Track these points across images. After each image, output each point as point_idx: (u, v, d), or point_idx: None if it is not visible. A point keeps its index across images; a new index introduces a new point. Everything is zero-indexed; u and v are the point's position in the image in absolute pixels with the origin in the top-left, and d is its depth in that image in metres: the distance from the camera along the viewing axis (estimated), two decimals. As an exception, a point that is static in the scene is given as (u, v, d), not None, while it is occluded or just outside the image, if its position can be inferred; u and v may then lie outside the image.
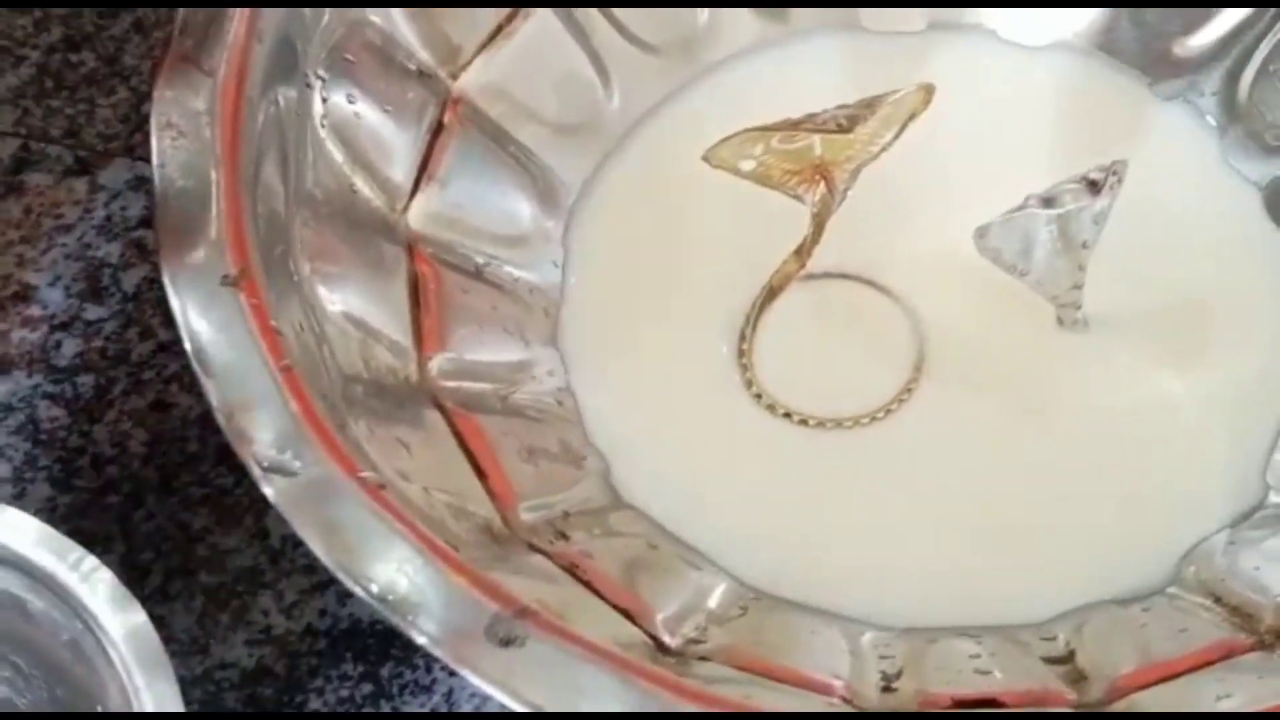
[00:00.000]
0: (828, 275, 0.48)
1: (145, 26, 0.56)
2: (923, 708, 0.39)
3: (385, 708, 0.43)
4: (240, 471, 0.35)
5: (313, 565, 0.34)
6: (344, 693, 0.43)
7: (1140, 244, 0.46)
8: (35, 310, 0.50)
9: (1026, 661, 0.40)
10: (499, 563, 0.37)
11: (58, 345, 0.49)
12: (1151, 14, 0.51)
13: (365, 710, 0.43)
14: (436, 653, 0.32)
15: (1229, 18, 0.50)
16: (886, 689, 0.39)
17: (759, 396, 0.46)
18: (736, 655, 0.39)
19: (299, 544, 0.34)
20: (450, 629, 0.33)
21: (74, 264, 0.51)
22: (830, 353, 0.47)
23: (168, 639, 0.43)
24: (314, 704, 0.43)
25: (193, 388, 0.35)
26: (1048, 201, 0.43)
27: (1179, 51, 0.51)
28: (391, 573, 0.33)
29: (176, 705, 0.33)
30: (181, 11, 0.41)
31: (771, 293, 0.47)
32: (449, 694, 0.43)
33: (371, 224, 0.44)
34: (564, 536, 0.41)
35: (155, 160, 0.39)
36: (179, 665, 0.42)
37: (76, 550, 0.35)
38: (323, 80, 0.44)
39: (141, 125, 0.53)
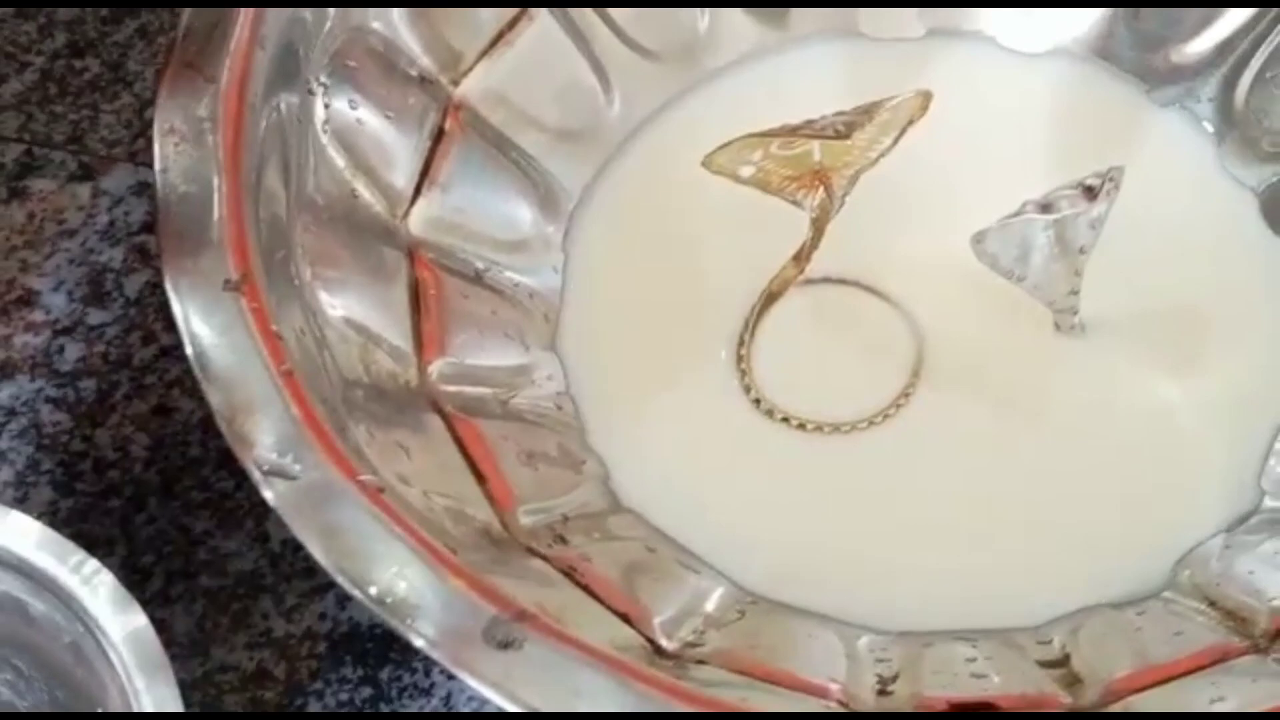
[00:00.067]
0: (826, 280, 0.48)
1: (149, 33, 0.56)
2: (919, 711, 0.39)
3: (384, 710, 0.43)
4: (241, 475, 0.35)
5: (313, 569, 0.34)
6: (343, 696, 0.43)
7: (1137, 250, 0.47)
8: (38, 315, 0.50)
9: (1022, 665, 0.40)
10: (498, 566, 0.38)
11: (60, 350, 0.49)
12: (1149, 21, 0.51)
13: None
14: (434, 655, 0.33)
15: (1226, 25, 0.50)
16: (882, 692, 0.39)
17: (758, 401, 0.46)
18: (733, 659, 0.39)
19: (299, 548, 0.34)
20: (448, 632, 0.33)
21: (77, 269, 0.51)
22: (828, 357, 0.47)
23: (168, 642, 0.43)
24: (313, 707, 0.43)
25: (194, 392, 0.36)
26: (1044, 207, 0.43)
27: (1176, 58, 0.51)
28: (390, 576, 0.34)
29: (176, 708, 0.33)
30: (184, 18, 0.42)
31: (770, 298, 0.47)
32: (447, 697, 0.43)
33: (372, 229, 0.44)
34: (563, 540, 0.41)
35: (158, 166, 0.39)
36: (179, 668, 0.42)
37: (78, 553, 0.35)
38: (325, 86, 0.44)
39: (145, 131, 0.53)
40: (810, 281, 0.48)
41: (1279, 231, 0.48)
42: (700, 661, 0.39)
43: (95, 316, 0.50)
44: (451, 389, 0.44)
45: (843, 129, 0.44)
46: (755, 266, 0.47)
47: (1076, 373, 0.46)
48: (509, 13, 0.49)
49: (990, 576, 0.43)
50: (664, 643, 0.39)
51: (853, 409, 0.46)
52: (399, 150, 0.46)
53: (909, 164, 0.46)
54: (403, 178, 0.46)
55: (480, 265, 0.47)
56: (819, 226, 0.46)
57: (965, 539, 0.44)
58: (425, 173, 0.47)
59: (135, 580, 0.45)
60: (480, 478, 0.41)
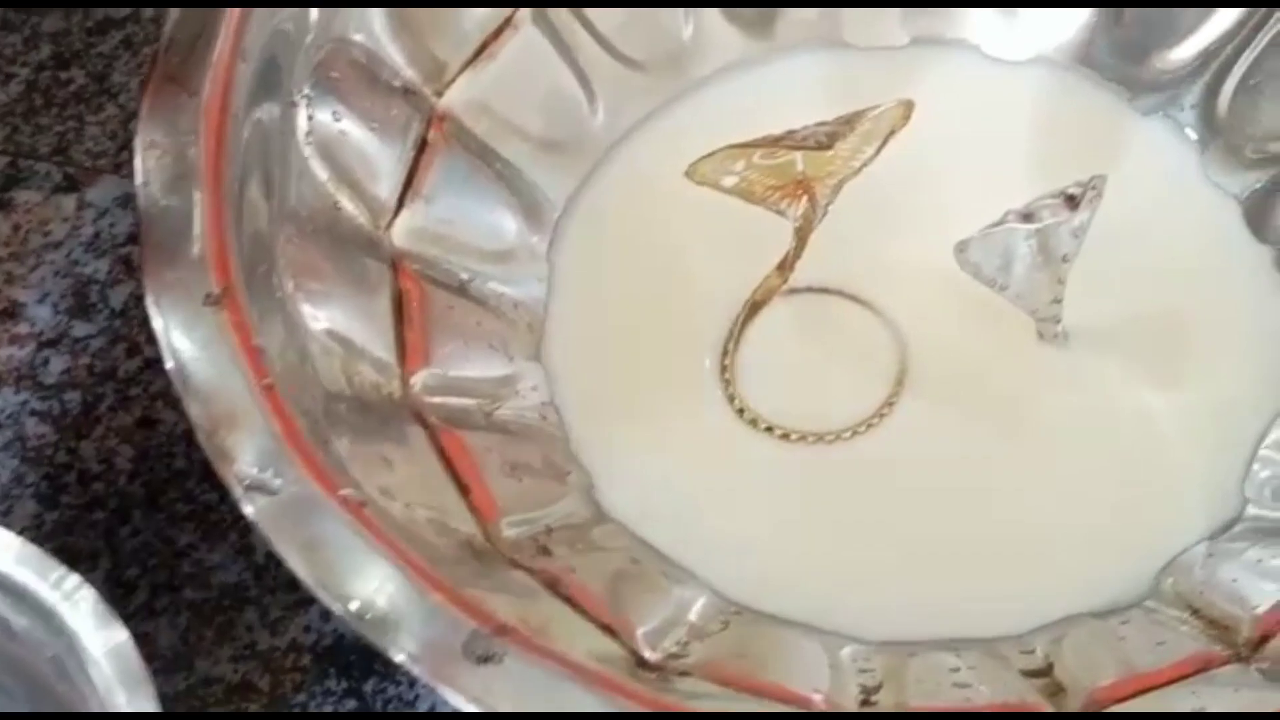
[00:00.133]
0: (810, 290, 0.48)
1: (134, 44, 0.56)
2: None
3: (370, 722, 0.43)
4: (226, 488, 0.35)
5: (297, 581, 0.34)
6: (327, 708, 0.43)
7: (1121, 258, 0.47)
8: (23, 328, 0.50)
9: (1005, 674, 0.40)
10: (480, 579, 0.38)
11: (45, 362, 0.49)
12: (1132, 29, 0.51)
13: (350, 725, 0.43)
14: (414, 670, 0.33)
15: (1208, 32, 0.50)
16: (866, 702, 0.39)
17: (741, 411, 0.46)
18: (716, 670, 0.39)
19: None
20: (428, 646, 0.33)
21: (62, 281, 0.51)
22: (812, 367, 0.47)
23: (153, 655, 0.43)
24: (299, 719, 0.43)
25: (179, 404, 0.36)
26: (1026, 217, 0.43)
27: (1159, 66, 0.51)
28: (371, 591, 0.34)
29: (159, 724, 0.33)
30: (166, 31, 0.42)
31: (754, 307, 0.47)
32: (432, 709, 0.43)
33: (355, 241, 0.44)
34: (546, 552, 0.41)
35: (139, 179, 0.39)
36: (163, 681, 0.43)
37: (59, 569, 0.35)
38: (308, 98, 0.44)
39: (130, 143, 0.52)
40: (794, 291, 0.48)
41: (1262, 239, 0.48)
42: (683, 673, 0.39)
43: (80, 329, 0.50)
44: (435, 400, 0.44)
45: (824, 139, 0.44)
46: (739, 276, 0.47)
47: (1060, 381, 0.46)
48: (493, 23, 0.49)
49: (973, 585, 0.43)
50: (647, 654, 0.39)
51: (836, 418, 0.46)
52: (382, 161, 0.46)
53: (893, 173, 0.46)
54: (386, 189, 0.46)
55: (464, 276, 0.47)
56: (802, 236, 0.46)
57: (948, 548, 0.44)
58: (409, 184, 0.47)
59: (120, 593, 0.45)
60: (463, 489, 0.41)
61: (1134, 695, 0.39)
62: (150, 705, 0.33)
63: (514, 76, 0.49)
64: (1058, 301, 0.45)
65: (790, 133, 0.44)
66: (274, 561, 0.44)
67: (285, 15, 0.43)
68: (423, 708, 0.43)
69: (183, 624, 0.45)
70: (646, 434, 0.46)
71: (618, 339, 0.48)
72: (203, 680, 0.44)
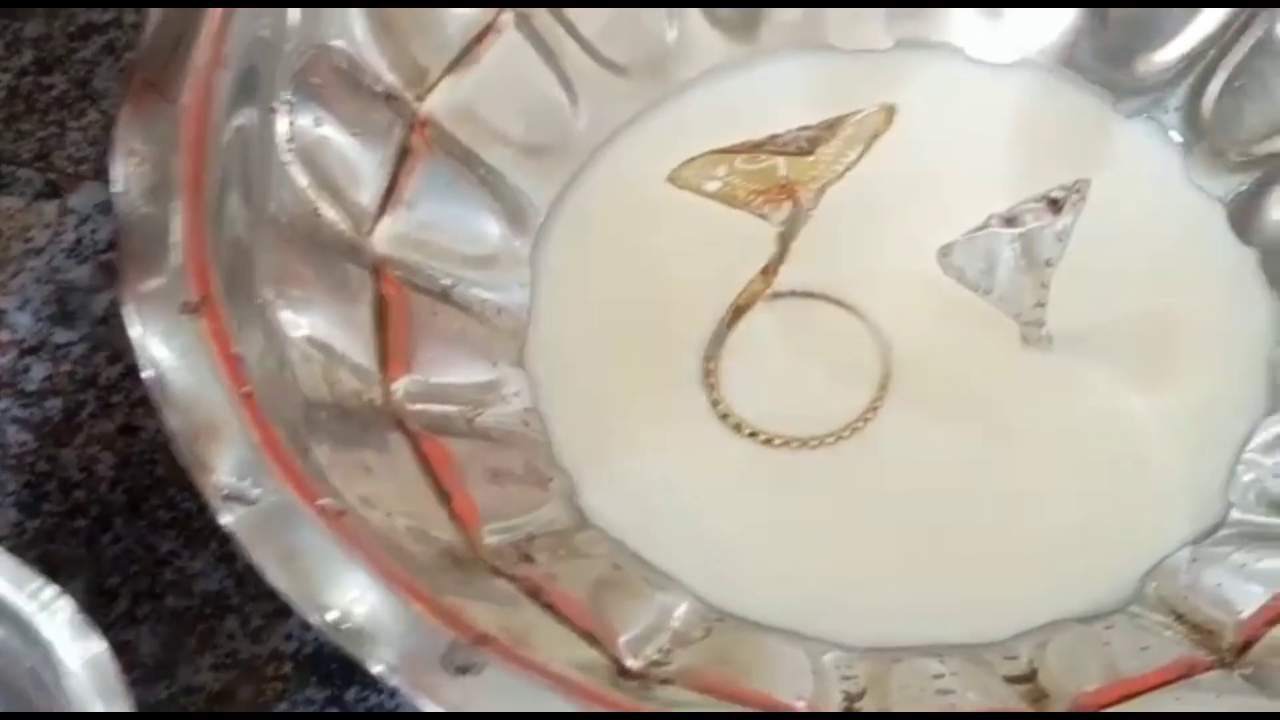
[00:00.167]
0: (794, 294, 0.48)
1: (116, 49, 0.56)
2: None
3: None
4: (206, 495, 0.35)
5: (278, 589, 0.34)
6: (310, 716, 0.43)
7: (1105, 261, 0.47)
8: (4, 334, 0.50)
9: (989, 680, 0.40)
10: (461, 587, 0.37)
11: (26, 369, 0.49)
12: (1116, 31, 0.51)
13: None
14: (393, 682, 0.33)
15: (1193, 35, 0.50)
16: (849, 709, 0.39)
17: (725, 416, 0.46)
18: (699, 677, 0.39)
19: (264, 568, 0.34)
20: (407, 657, 0.33)
21: (43, 287, 0.51)
22: (796, 371, 0.47)
23: (134, 664, 0.43)
24: (281, 728, 0.43)
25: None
26: (1010, 221, 0.43)
27: (1143, 69, 0.51)
28: (348, 600, 0.34)
29: (135, 736, 0.33)
30: (145, 38, 0.41)
31: (738, 312, 0.47)
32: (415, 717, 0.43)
33: (337, 247, 0.44)
34: (528, 559, 0.41)
35: (118, 187, 0.39)
36: (145, 690, 0.43)
37: (36, 579, 0.34)
38: (289, 104, 0.44)
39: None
40: (778, 295, 0.47)
41: (1247, 241, 0.48)
42: (665, 681, 0.39)
43: (61, 335, 0.50)
44: (417, 407, 0.43)
45: (806, 145, 0.44)
46: (723, 281, 0.47)
47: (1044, 385, 0.46)
48: (475, 27, 0.49)
49: (957, 591, 0.43)
50: (629, 662, 0.39)
51: (820, 423, 0.46)
52: (364, 167, 0.46)
53: (877, 177, 0.46)
54: (368, 195, 0.46)
55: (447, 282, 0.47)
56: (786, 240, 0.46)
57: (932, 553, 0.43)
58: (391, 189, 0.46)
59: (101, 601, 0.45)
60: (445, 497, 0.41)
61: (1118, 701, 0.39)
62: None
63: (496, 81, 0.49)
64: (1041, 305, 0.45)
65: (772, 138, 0.44)
66: (255, 569, 0.44)
67: (265, 22, 0.42)
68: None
69: (164, 632, 0.44)
70: (629, 439, 0.46)
71: (601, 344, 0.48)
72: (184, 689, 0.43)
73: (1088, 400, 0.46)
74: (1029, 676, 0.40)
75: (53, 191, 0.53)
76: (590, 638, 0.39)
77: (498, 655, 0.33)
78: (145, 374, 0.36)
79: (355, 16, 0.45)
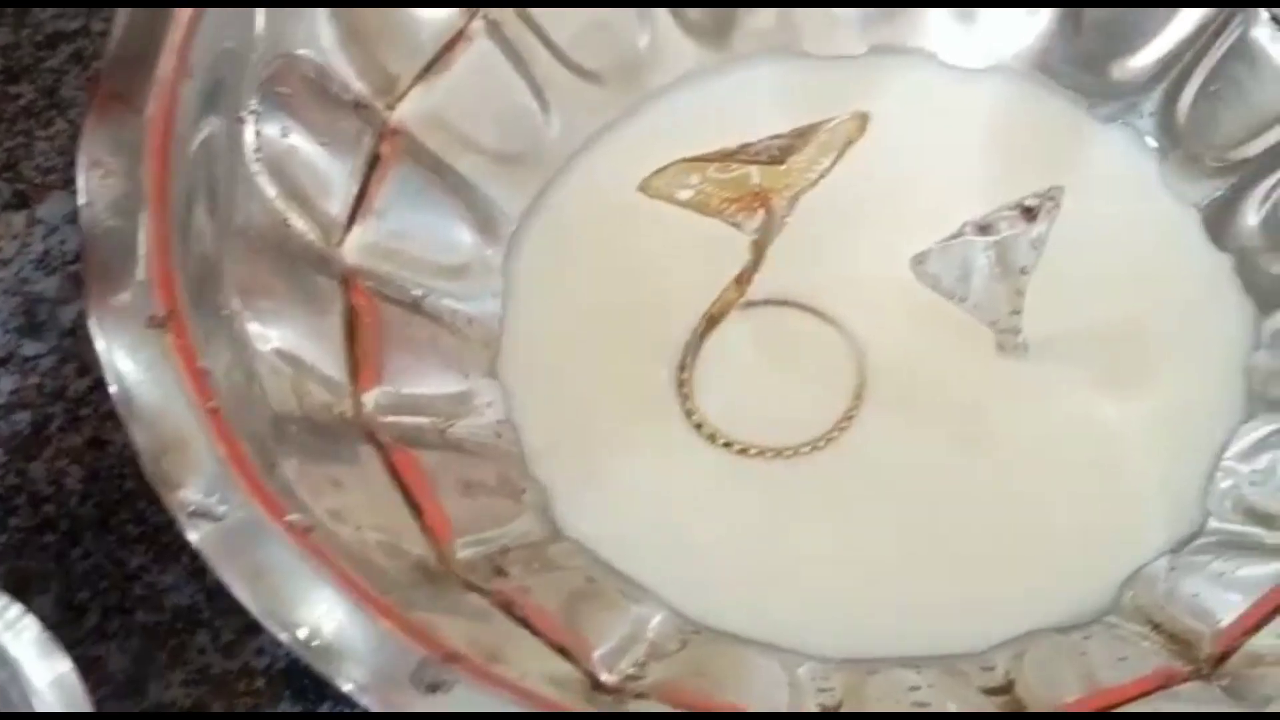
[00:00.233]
0: (768, 303, 0.48)
1: (84, 58, 0.56)
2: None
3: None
4: (175, 511, 0.35)
5: (249, 604, 0.34)
6: (282, 732, 0.43)
7: (1081, 268, 0.46)
8: (-28, 347, 0.50)
9: (966, 692, 0.40)
10: (432, 602, 0.37)
11: (-6, 382, 0.49)
12: (1091, 36, 0.51)
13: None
14: (362, 701, 0.32)
15: (1167, 39, 0.50)
16: (825, 722, 0.39)
17: (699, 426, 0.46)
18: (674, 691, 0.39)
19: (235, 584, 0.34)
20: (377, 675, 0.33)
21: (11, 299, 0.50)
22: (771, 381, 0.47)
23: (104, 680, 0.43)
24: (252, 744, 0.43)
25: (129, 424, 0.35)
26: (984, 229, 0.43)
27: (1118, 74, 0.51)
28: (317, 617, 0.33)
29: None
30: (110, 48, 0.41)
31: (711, 321, 0.47)
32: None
33: (306, 258, 0.44)
34: (502, 572, 0.41)
35: (83, 199, 0.39)
36: (115, 707, 0.42)
37: (1, 597, 0.34)
38: (256, 114, 0.43)
39: (80, 158, 0.53)
40: (751, 304, 0.47)
41: (1222, 247, 0.48)
42: (640, 695, 0.38)
43: (29, 348, 0.49)
44: (388, 419, 0.43)
45: (777, 153, 0.43)
46: (697, 289, 0.47)
47: (1020, 393, 0.46)
48: (445, 35, 0.49)
49: (933, 601, 0.43)
50: (604, 676, 0.39)
51: (795, 433, 0.45)
52: (333, 177, 0.45)
53: (851, 185, 0.46)
54: (337, 205, 0.46)
55: (418, 292, 0.46)
56: (760, 248, 0.46)
57: (908, 563, 0.43)
58: (361, 199, 0.46)
59: (70, 617, 0.44)
60: (416, 510, 0.41)
61: (1094, 713, 0.38)
62: (94, 737, 0.33)
63: (467, 89, 0.49)
64: (1017, 313, 0.45)
65: (744, 146, 0.44)
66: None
67: (230, 32, 0.42)
68: (378, 732, 0.43)
69: (134, 647, 0.44)
70: (603, 450, 0.46)
71: (574, 354, 0.47)
72: (155, 705, 0.43)
73: (1064, 408, 0.46)
74: (1006, 688, 0.40)
75: (20, 202, 0.52)
76: (564, 652, 0.39)
77: (468, 673, 0.33)
78: (111, 389, 0.36)
79: (323, 25, 0.45)
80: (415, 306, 0.46)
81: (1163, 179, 0.49)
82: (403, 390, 0.44)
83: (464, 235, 0.48)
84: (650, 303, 0.48)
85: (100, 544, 0.46)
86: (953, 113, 0.51)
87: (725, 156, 0.43)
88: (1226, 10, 0.49)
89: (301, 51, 0.45)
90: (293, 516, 0.35)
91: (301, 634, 0.33)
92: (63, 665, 0.34)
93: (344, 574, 0.34)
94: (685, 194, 0.45)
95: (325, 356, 0.43)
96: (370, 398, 0.43)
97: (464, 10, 0.49)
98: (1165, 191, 0.49)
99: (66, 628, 0.44)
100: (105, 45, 0.42)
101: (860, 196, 0.47)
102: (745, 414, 0.46)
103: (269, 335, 0.41)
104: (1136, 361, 0.46)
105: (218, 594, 0.43)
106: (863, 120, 0.44)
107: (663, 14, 0.51)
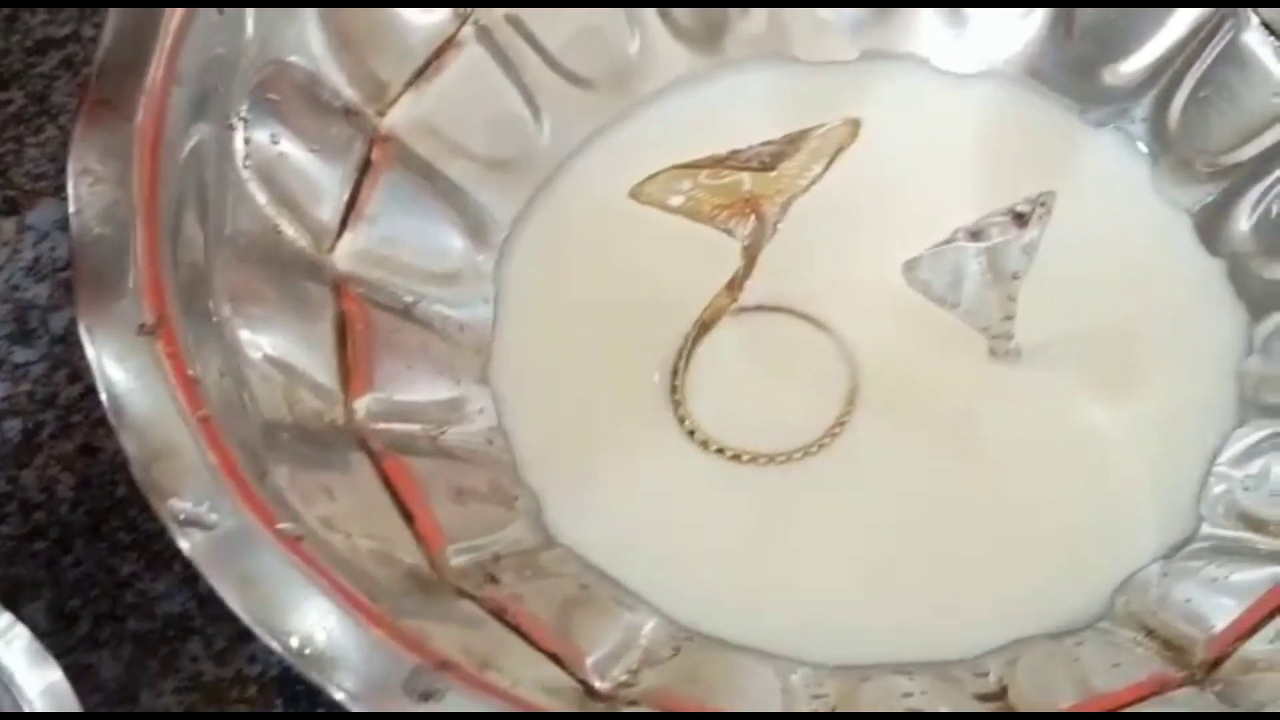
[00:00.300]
0: (760, 309, 0.47)
1: (74, 64, 0.56)
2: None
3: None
4: (166, 518, 0.35)
5: (241, 612, 0.34)
6: (274, 740, 0.43)
7: (1072, 273, 0.46)
8: (-38, 355, 0.49)
9: (959, 699, 0.40)
10: (425, 610, 0.37)
11: (-16, 390, 0.49)
12: (1082, 41, 0.51)
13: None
14: (354, 708, 0.32)
15: (1159, 44, 0.50)
16: (818, 729, 0.39)
17: (692, 432, 0.46)
18: (667, 698, 0.39)
19: (226, 591, 0.33)
20: (369, 683, 0.33)
21: (2, 306, 0.50)
22: (763, 387, 0.47)
23: (96, 688, 0.43)
24: (244, 752, 0.43)
25: (121, 431, 0.35)
26: (975, 235, 0.43)
27: (1109, 79, 0.51)
28: (309, 625, 0.33)
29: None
30: (99, 55, 0.41)
31: (703, 327, 0.47)
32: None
33: (297, 265, 0.44)
34: (494, 580, 0.41)
35: (72, 207, 0.38)
36: (107, 714, 0.42)
37: (-9, 607, 0.34)
38: (245, 121, 0.43)
39: (71, 165, 0.52)
40: (744, 310, 0.47)
41: (1214, 252, 0.48)
42: (633, 702, 0.38)
43: (20, 355, 0.49)
44: (379, 426, 0.43)
45: (768, 160, 0.43)
46: (689, 295, 0.47)
47: (1013, 399, 0.46)
48: (436, 41, 0.49)
49: (926, 607, 0.43)
50: (596, 683, 0.39)
51: (788, 439, 0.45)
52: (324, 183, 0.45)
53: (843, 190, 0.46)
54: (328, 211, 0.45)
55: (409, 299, 0.46)
56: (751, 254, 0.46)
57: (901, 570, 0.43)
58: (352, 206, 0.46)
59: (61, 625, 0.44)
60: (408, 517, 0.41)
61: (1092, 713, 0.38)
62: (85, 747, 0.33)
63: (458, 95, 0.49)
64: (1009, 319, 0.45)
65: (735, 153, 0.44)
66: (217, 592, 0.44)
67: (220, 39, 0.42)
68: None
69: (126, 655, 0.44)
70: (596, 457, 0.46)
71: (566, 361, 0.47)
72: (146, 713, 0.43)
73: (1056, 413, 0.46)
74: (999, 694, 0.40)
75: (11, 208, 0.52)
76: (557, 659, 0.39)
77: (460, 681, 0.33)
78: (102, 397, 0.36)
79: (313, 31, 0.45)
80: (406, 313, 0.46)
81: (1154, 184, 0.49)
82: (394, 397, 0.44)
83: (455, 241, 0.48)
84: (642, 309, 0.48)
85: (91, 551, 0.46)
86: (944, 118, 0.51)
87: (716, 163, 0.43)
88: (1217, 15, 0.49)
89: (291, 58, 0.44)
90: (284, 524, 0.34)
91: (293, 642, 0.33)
92: (54, 674, 0.34)
93: (336, 582, 0.34)
94: (676, 200, 0.45)
95: (316, 363, 0.43)
96: (361, 405, 0.43)
97: (455, 16, 0.49)
98: (1157, 196, 0.49)
99: (58, 636, 0.44)
100: (94, 52, 0.42)
101: (852, 202, 0.47)
102: (737, 420, 0.46)
103: (260, 342, 0.41)
104: (1129, 367, 0.46)
105: (209, 601, 0.43)
106: (854, 126, 0.44)
107: (654, 20, 0.51)
